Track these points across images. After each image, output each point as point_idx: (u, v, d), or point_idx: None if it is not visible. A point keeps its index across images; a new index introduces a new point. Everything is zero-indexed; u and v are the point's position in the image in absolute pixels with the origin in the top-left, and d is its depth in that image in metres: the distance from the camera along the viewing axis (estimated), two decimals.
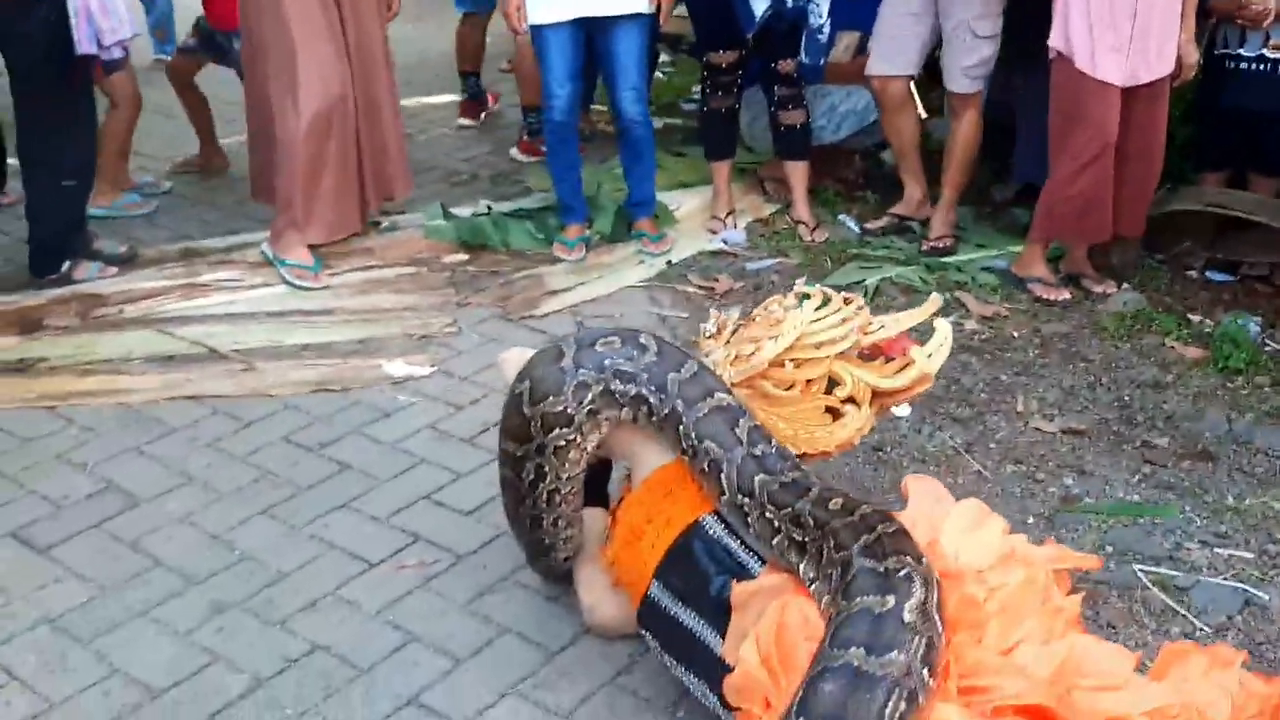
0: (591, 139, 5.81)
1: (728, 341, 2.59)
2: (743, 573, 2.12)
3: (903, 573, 1.83)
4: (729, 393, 2.33)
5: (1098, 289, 4.36)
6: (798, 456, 2.29)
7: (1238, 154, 4.59)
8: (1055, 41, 4.07)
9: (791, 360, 2.43)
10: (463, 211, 4.95)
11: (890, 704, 1.68)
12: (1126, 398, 3.66)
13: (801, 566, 2.02)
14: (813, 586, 1.99)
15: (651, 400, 2.33)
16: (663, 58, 7.20)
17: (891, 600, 1.78)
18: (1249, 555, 2.92)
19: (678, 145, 5.89)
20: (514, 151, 5.90)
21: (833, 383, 2.45)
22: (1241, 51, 4.37)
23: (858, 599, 1.81)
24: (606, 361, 2.37)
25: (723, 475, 2.20)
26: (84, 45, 4.29)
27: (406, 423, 3.49)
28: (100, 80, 4.72)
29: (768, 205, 5.18)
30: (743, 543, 2.20)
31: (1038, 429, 3.48)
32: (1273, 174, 4.53)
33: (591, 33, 4.39)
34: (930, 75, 5.07)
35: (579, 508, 2.57)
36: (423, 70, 7.14)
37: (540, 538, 2.58)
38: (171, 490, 3.16)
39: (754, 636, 1.90)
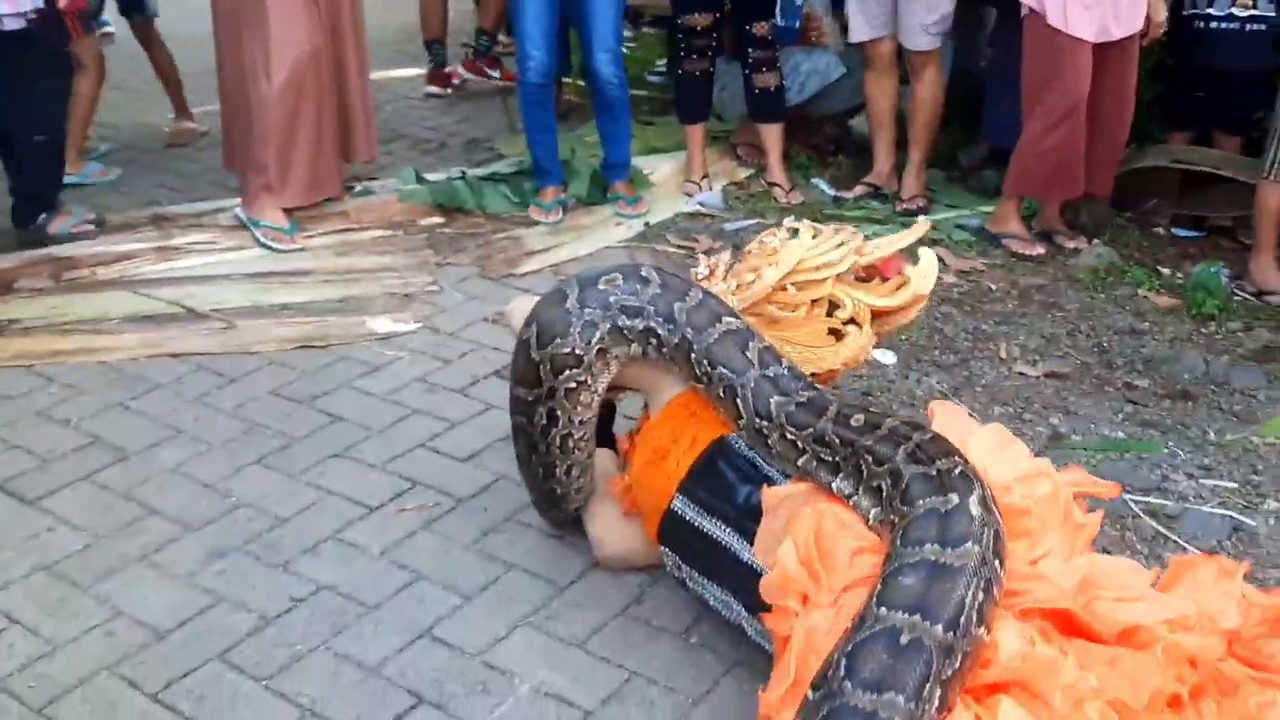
0: (566, 117, 5.79)
1: (723, 279, 2.61)
2: (770, 484, 2.14)
3: (957, 471, 1.87)
4: (736, 316, 2.34)
5: (1070, 245, 4.44)
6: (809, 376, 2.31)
7: (1205, 113, 4.69)
8: None
9: (793, 284, 2.47)
10: (436, 177, 4.93)
11: (970, 593, 1.71)
12: (1105, 343, 3.74)
13: (836, 484, 2.05)
14: (851, 500, 2.01)
15: (660, 332, 2.33)
16: (625, 33, 7.20)
17: (955, 497, 1.82)
18: (1233, 485, 2.99)
19: (645, 115, 5.91)
20: (459, 68, 5.98)
21: (833, 306, 2.49)
22: (1210, 10, 4.47)
23: (919, 502, 1.84)
24: (611, 298, 2.36)
25: (738, 399, 2.21)
26: None
27: (395, 376, 3.47)
28: (78, 40, 4.63)
29: (742, 170, 5.21)
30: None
31: (1021, 373, 3.54)
32: (1238, 132, 4.63)
33: None
34: None
35: (592, 454, 2.56)
36: (384, 45, 7.07)
37: (553, 487, 2.57)
38: (160, 443, 3.12)
39: (791, 539, 1.92)
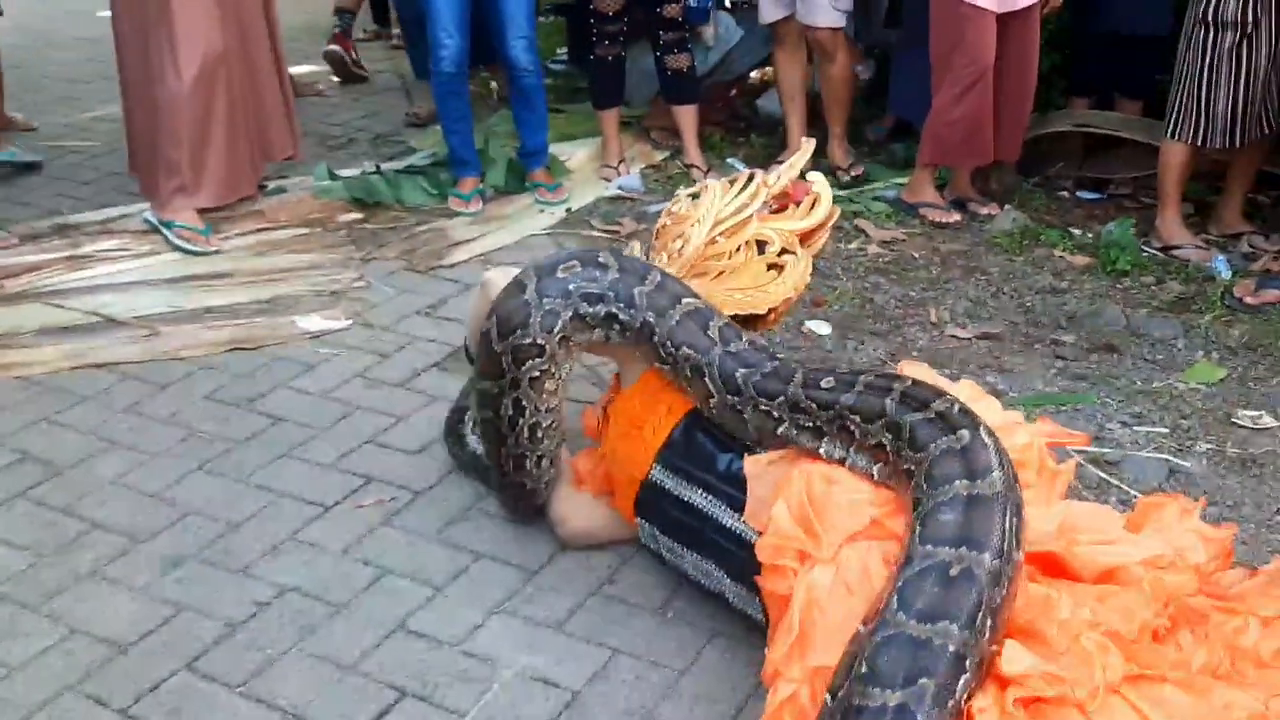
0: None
1: (652, 255, 2.64)
2: (748, 451, 2.16)
3: (956, 409, 1.92)
4: (696, 296, 2.36)
5: (983, 211, 4.55)
6: (767, 313, 2.43)
7: (1106, 78, 4.85)
8: None
9: (720, 235, 2.52)
10: (349, 172, 4.83)
11: (1006, 519, 1.77)
12: (1029, 303, 3.85)
13: (823, 448, 2.07)
14: (847, 464, 2.04)
15: (622, 317, 2.33)
16: None
17: (965, 433, 1.87)
18: (1165, 430, 3.12)
19: (552, 104, 5.86)
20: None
21: (762, 245, 2.55)
22: None
23: (931, 445, 1.88)
24: (571, 286, 2.35)
25: (705, 378, 2.23)
26: None
27: (333, 373, 3.40)
28: None
29: (657, 153, 5.22)
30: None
31: (953, 336, 3.63)
32: (1139, 96, 4.80)
33: None
34: None
35: (559, 444, 2.56)
36: (284, 41, 6.90)
37: (522, 481, 2.55)
38: (95, 456, 3.00)
39: (783, 500, 1.94)
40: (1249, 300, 3.78)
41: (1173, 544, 2.08)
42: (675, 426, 2.28)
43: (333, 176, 4.72)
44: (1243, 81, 3.93)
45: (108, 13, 4.27)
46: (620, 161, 4.98)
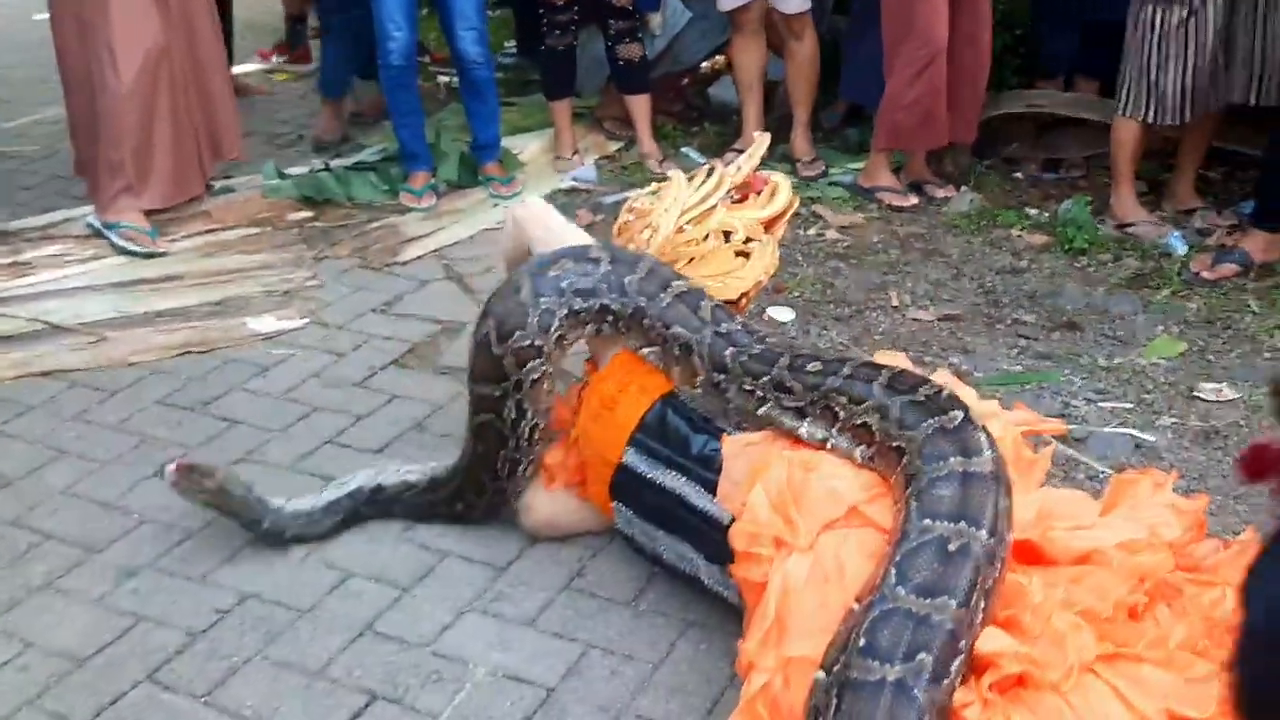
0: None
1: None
2: (724, 434, 2.14)
3: (944, 394, 1.93)
4: (685, 280, 2.39)
5: (940, 194, 4.55)
6: (738, 299, 2.48)
7: (1067, 59, 4.86)
8: None
9: (688, 223, 2.56)
10: (298, 170, 4.75)
11: (999, 499, 1.77)
12: (989, 284, 3.85)
13: (804, 429, 2.07)
14: (829, 444, 2.03)
15: (614, 307, 2.37)
16: None
17: (956, 414, 1.88)
18: (1129, 405, 3.12)
19: (503, 96, 5.79)
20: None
21: (729, 235, 2.59)
22: None
23: (923, 424, 1.88)
24: (564, 283, 2.38)
25: (694, 356, 2.24)
26: None
27: (288, 375, 3.33)
28: None
29: (611, 143, 5.18)
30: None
31: (915, 319, 3.62)
32: (1098, 77, 4.82)
33: None
34: None
35: (547, 442, 2.55)
36: None
37: (507, 486, 2.53)
38: (44, 465, 2.92)
39: (761, 486, 1.91)
40: (1206, 275, 3.80)
41: (1147, 521, 2.07)
42: (648, 410, 2.26)
43: (281, 175, 4.64)
44: (1191, 58, 3.94)
45: (45, 15, 4.17)
46: (574, 153, 4.93)
